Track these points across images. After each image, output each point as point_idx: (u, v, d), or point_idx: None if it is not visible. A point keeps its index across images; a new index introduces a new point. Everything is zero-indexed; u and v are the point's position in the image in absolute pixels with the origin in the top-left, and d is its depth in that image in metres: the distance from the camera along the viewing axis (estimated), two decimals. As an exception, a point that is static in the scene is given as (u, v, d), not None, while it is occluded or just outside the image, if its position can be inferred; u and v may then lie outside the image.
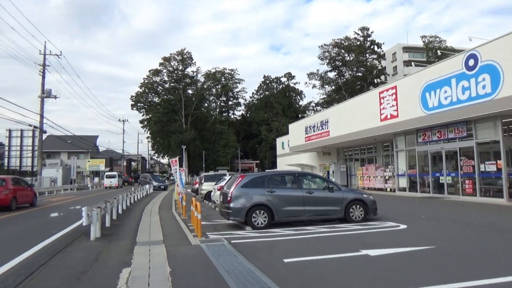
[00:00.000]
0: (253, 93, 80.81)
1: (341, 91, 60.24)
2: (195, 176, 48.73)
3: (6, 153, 39.16)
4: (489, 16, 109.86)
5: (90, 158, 60.42)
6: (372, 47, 60.73)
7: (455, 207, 14.00)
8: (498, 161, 15.22)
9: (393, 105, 20.51)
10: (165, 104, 66.45)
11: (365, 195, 10.69)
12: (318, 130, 29.91)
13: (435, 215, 11.67)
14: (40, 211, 16.21)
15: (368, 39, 60.33)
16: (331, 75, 63.89)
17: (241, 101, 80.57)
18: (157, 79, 68.04)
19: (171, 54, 67.00)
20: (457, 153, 17.31)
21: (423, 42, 59.71)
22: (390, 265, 5.68)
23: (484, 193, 15.98)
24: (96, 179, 55.46)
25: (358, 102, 25.54)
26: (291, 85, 76.96)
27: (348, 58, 61.44)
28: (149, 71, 67.46)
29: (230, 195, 9.68)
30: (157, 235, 8.97)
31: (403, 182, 21.55)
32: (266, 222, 9.54)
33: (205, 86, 72.54)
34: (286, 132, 44.67)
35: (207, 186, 20.03)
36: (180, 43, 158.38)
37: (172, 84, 68.41)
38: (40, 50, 31.77)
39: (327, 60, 61.83)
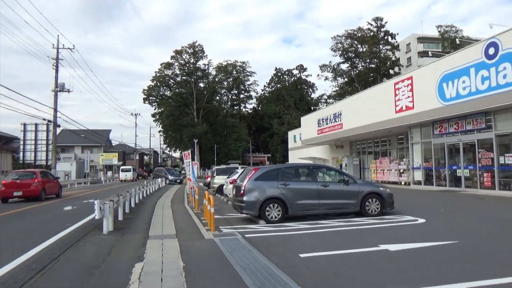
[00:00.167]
0: (264, 86, 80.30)
1: (354, 83, 59.39)
2: (206, 170, 48.79)
3: (21, 147, 39.66)
4: (508, 4, 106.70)
5: (103, 152, 61.00)
6: (385, 37, 59.57)
7: (474, 201, 13.61)
8: (519, 154, 14.74)
9: (408, 96, 20.03)
10: (176, 98, 66.50)
11: (381, 188, 10.40)
12: (331, 122, 29.51)
13: (454, 209, 11.33)
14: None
15: (382, 29, 59.17)
16: (344, 67, 63.04)
17: (253, 94, 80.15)
18: (169, 72, 68.00)
19: (182, 47, 66.91)
20: (475, 145, 16.82)
21: (439, 31, 58.25)
22: (411, 261, 5.44)
23: (503, 187, 15.51)
24: (109, 173, 56.03)
25: (372, 93, 25.07)
26: (303, 77, 76.18)
27: (361, 50, 60.43)
28: (161, 64, 67.50)
29: (243, 188, 9.51)
30: (169, 229, 8.86)
31: (419, 175, 21.12)
32: (280, 216, 9.35)
33: (216, 79, 72.32)
34: (298, 125, 44.30)
35: (219, 180, 19.92)
36: (192, 36, 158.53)
37: (183, 78, 68.32)
38: (53, 44, 31.89)
39: (340, 52, 60.92)
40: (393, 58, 60.74)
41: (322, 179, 10.20)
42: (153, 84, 68.15)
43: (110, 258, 6.08)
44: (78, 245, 7.22)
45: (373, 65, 60.46)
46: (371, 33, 59.13)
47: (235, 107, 79.87)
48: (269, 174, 9.82)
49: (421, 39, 65.30)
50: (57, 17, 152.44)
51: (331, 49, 61.08)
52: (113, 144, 69.52)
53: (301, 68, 75.82)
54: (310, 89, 77.73)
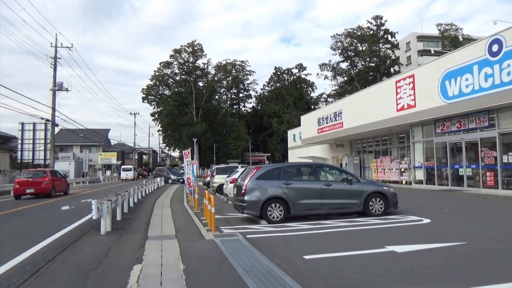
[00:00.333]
0: (264, 85, 79.90)
1: (354, 82, 59.14)
2: (206, 169, 48.53)
3: (19, 146, 39.37)
4: (508, 3, 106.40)
5: (102, 152, 60.80)
6: (385, 36, 59.29)
7: (478, 200, 13.42)
8: (522, 152, 14.57)
9: (410, 95, 19.84)
10: (176, 97, 66.19)
11: (385, 188, 10.22)
12: (331, 121, 29.32)
13: (458, 209, 11.15)
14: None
15: (382, 28, 58.95)
16: (343, 65, 62.76)
17: (252, 93, 79.79)
18: (168, 71, 67.67)
19: (181, 46, 66.51)
20: (478, 144, 16.64)
21: (439, 30, 58.05)
22: (420, 263, 5.24)
23: (506, 186, 15.33)
24: (108, 172, 55.81)
25: (373, 92, 24.88)
26: (303, 76, 75.94)
27: (361, 48, 60.19)
28: (160, 63, 67.10)
29: (244, 187, 9.30)
30: (169, 229, 8.65)
31: (420, 175, 20.94)
32: (282, 216, 9.15)
33: (215, 78, 72.04)
34: (297, 125, 44.08)
35: (219, 179, 19.72)
36: (191, 35, 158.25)
37: (183, 77, 68.00)
38: (51, 43, 31.63)
39: (340, 50, 60.67)
40: (393, 57, 60.51)
41: (324, 178, 9.99)
42: (152, 83, 67.84)
43: (107, 260, 5.87)
44: (75, 246, 7.02)
45: (372, 64, 60.22)
46: (371, 32, 58.86)
47: (235, 106, 79.59)
48: (270, 173, 9.62)
49: (421, 38, 65.08)
50: (56, 17, 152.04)
51: (331, 48, 60.81)
52: (112, 144, 69.30)
53: (301, 67, 75.58)
54: (310, 88, 77.52)
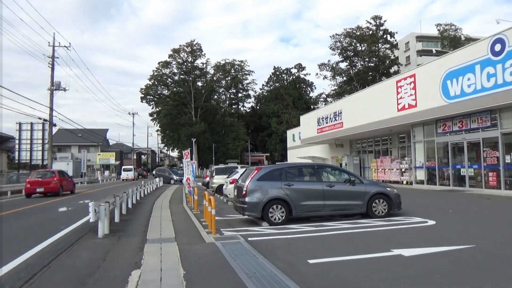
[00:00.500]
0: (263, 85, 79.70)
1: (353, 82, 58.97)
2: (205, 169, 48.28)
3: (17, 146, 39.05)
4: (507, 3, 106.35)
5: (100, 152, 60.56)
6: (384, 36, 59.12)
7: (481, 201, 13.26)
8: (525, 152, 14.42)
9: (411, 94, 19.68)
10: (174, 97, 65.97)
11: (388, 188, 10.03)
12: (331, 121, 29.15)
13: (462, 209, 10.98)
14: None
15: (381, 28, 58.79)
16: (343, 65, 62.55)
17: (251, 93, 79.59)
18: (167, 71, 67.43)
19: (180, 45, 66.29)
20: (480, 144, 16.49)
21: (438, 30, 57.92)
22: (429, 268, 5.06)
23: (509, 186, 15.18)
24: (107, 173, 55.55)
25: (373, 92, 24.72)
26: (302, 76, 75.79)
27: (360, 48, 60.03)
28: (159, 63, 66.91)
29: (245, 188, 9.11)
30: (168, 231, 8.45)
31: (421, 175, 20.79)
32: (283, 218, 8.96)
33: (214, 78, 71.81)
34: (297, 125, 43.90)
35: (218, 180, 19.48)
36: (190, 35, 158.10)
37: (181, 76, 67.75)
38: (49, 42, 31.37)
39: (339, 50, 60.49)
40: (392, 57, 60.37)
41: (327, 179, 9.82)
42: (150, 83, 67.62)
43: (105, 265, 5.68)
44: (72, 249, 6.82)
45: (372, 64, 60.06)
46: (370, 32, 58.70)
47: (233, 106, 79.39)
48: (272, 174, 9.42)
49: (420, 38, 64.95)
50: (54, 16, 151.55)
51: (330, 48, 60.60)
52: (110, 144, 69.06)
53: (300, 67, 75.45)
54: (309, 88, 77.39)
